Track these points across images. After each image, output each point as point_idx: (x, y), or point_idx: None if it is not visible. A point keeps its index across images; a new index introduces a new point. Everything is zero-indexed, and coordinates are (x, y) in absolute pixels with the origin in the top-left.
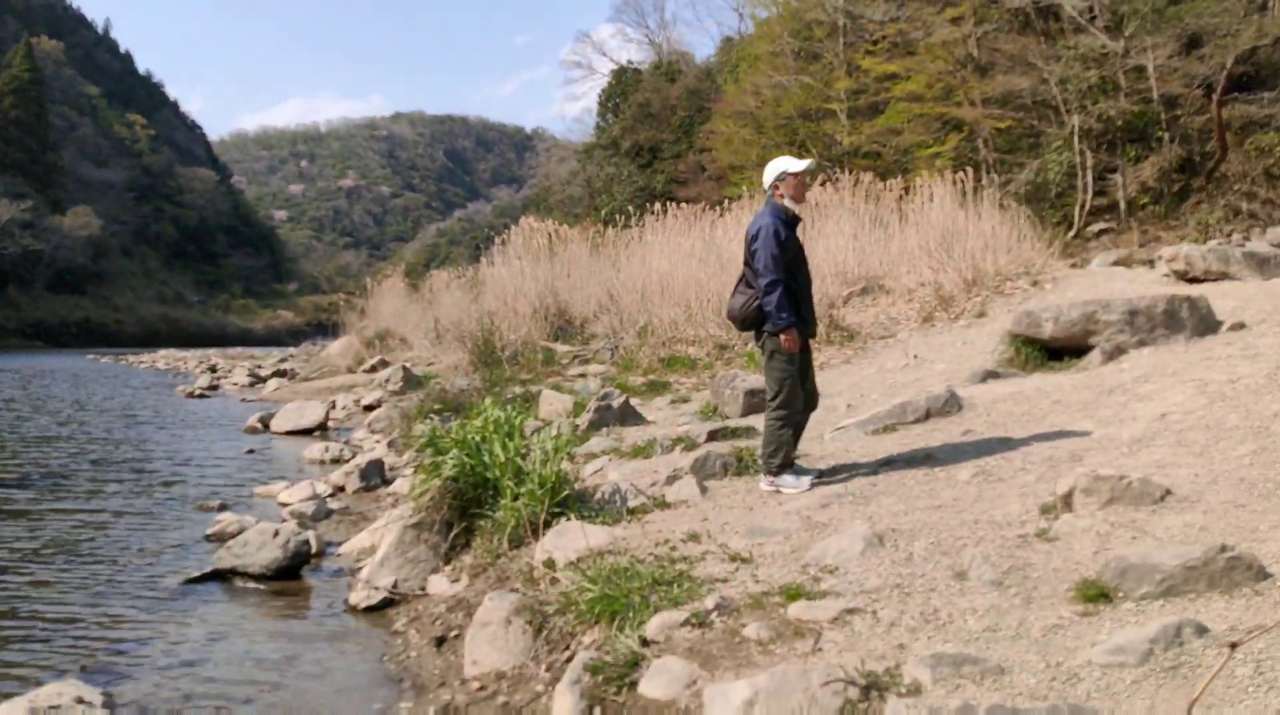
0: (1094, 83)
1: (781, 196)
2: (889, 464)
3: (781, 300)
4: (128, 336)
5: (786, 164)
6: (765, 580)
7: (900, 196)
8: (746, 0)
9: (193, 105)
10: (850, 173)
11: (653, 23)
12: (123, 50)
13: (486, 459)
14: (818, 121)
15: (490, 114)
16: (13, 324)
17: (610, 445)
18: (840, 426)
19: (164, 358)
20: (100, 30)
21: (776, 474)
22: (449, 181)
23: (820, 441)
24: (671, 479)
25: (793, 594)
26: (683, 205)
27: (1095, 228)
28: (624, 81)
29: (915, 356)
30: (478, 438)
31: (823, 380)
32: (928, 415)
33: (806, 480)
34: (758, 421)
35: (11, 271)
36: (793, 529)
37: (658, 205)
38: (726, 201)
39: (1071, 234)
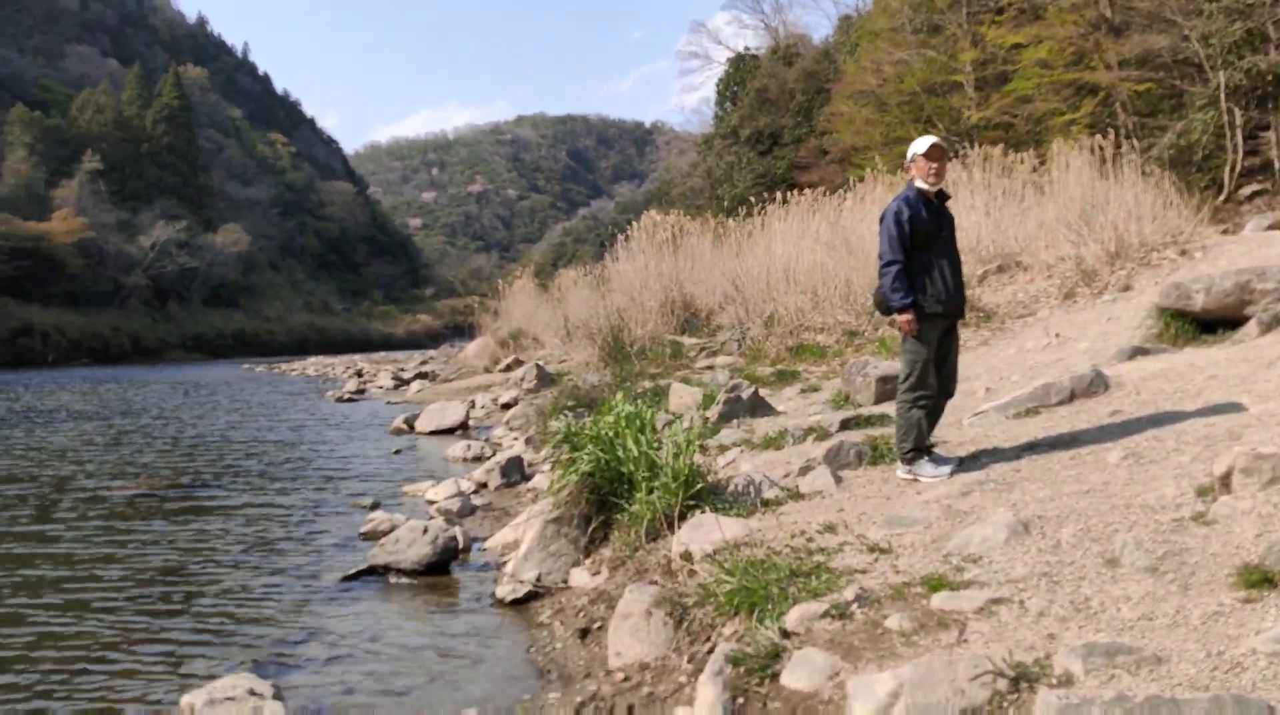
0: (1240, 36)
1: (915, 176)
2: (1032, 448)
3: (896, 281)
4: (279, 345)
5: (913, 146)
6: (906, 571)
7: (1034, 168)
8: None
9: (328, 122)
10: (980, 146)
11: (768, 7)
12: (261, 73)
13: (620, 454)
14: (943, 96)
15: (609, 111)
16: (174, 338)
17: (741, 437)
18: (979, 411)
19: (313, 365)
20: (240, 55)
21: (912, 461)
22: (572, 181)
23: (959, 427)
24: (805, 470)
25: (935, 584)
26: (805, 190)
27: (1247, 190)
28: (741, 69)
29: (1057, 335)
30: (611, 433)
31: (960, 363)
32: (1072, 396)
33: (946, 469)
34: (892, 409)
35: (171, 288)
36: (932, 518)
37: (779, 192)
38: (850, 183)
39: (1222, 198)
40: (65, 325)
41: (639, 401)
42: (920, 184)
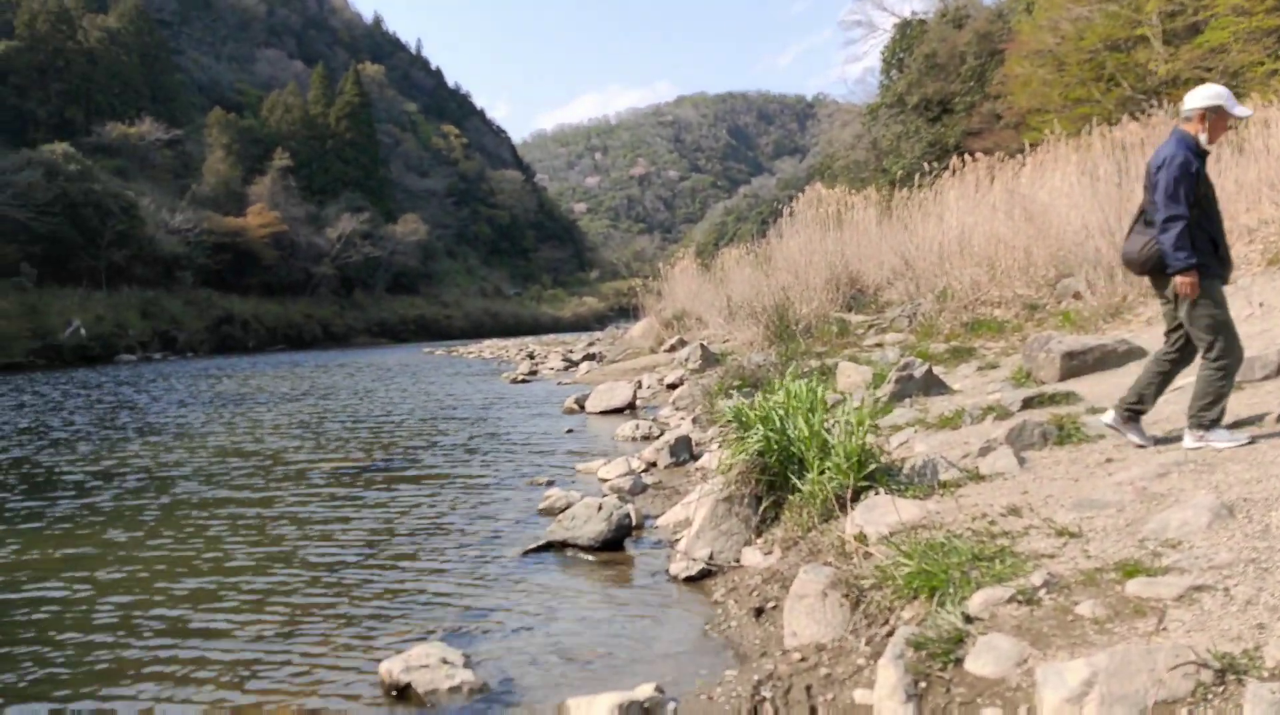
0: None
1: (1198, 130)
2: (1235, 427)
3: (1181, 238)
4: (456, 329)
5: (1224, 100)
6: (1097, 556)
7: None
8: None
9: (498, 112)
10: (1169, 104)
11: None
12: (434, 67)
13: (790, 433)
14: (1127, 51)
15: (769, 86)
16: (360, 323)
17: (915, 416)
18: (1176, 387)
19: (488, 348)
20: (413, 51)
21: (1209, 428)
22: (733, 158)
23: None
24: (984, 450)
25: (1130, 570)
26: (978, 157)
27: None
28: (907, 34)
29: (1261, 304)
30: (780, 412)
31: (1153, 336)
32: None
33: (1244, 434)
34: (1078, 386)
35: (356, 277)
36: (1126, 501)
37: (953, 160)
38: (1027, 148)
39: None
40: (262, 313)
41: (807, 380)
42: (1202, 138)
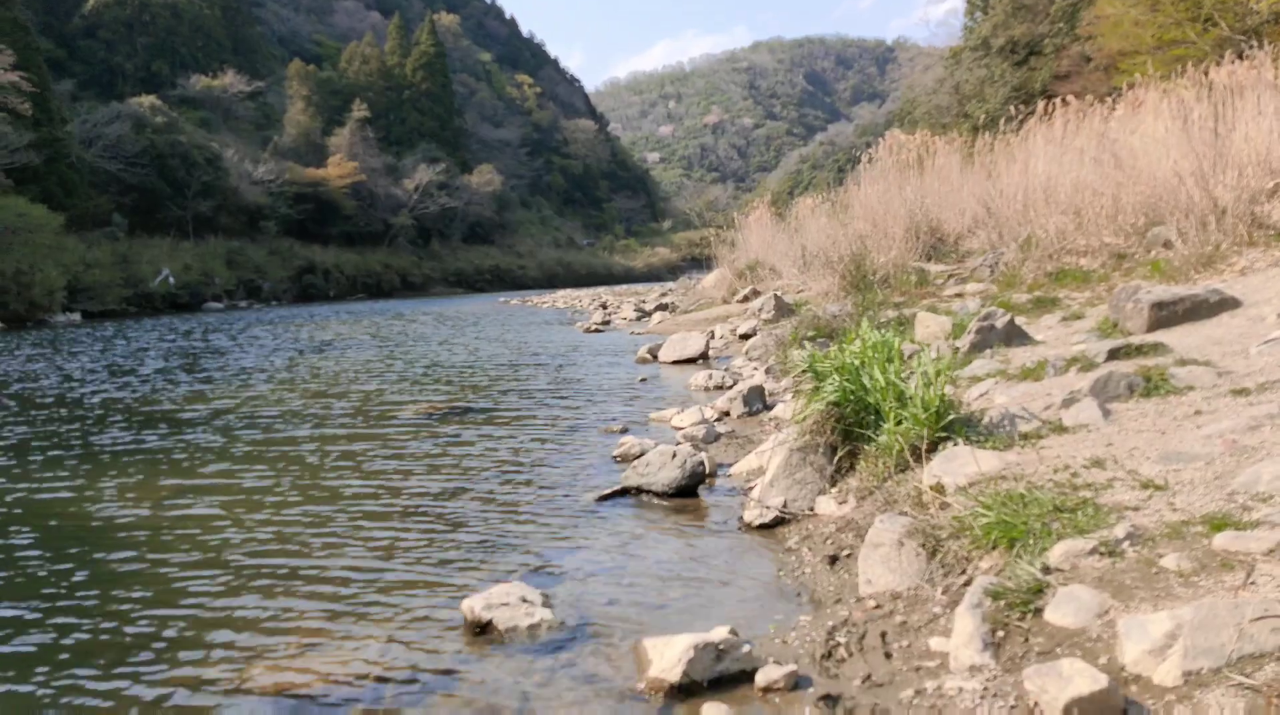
0: None
1: None
2: None
3: None
4: (530, 280)
5: None
6: (1183, 509)
7: None
8: None
9: (572, 61)
10: (1271, 45)
11: None
12: (508, 16)
13: (866, 382)
14: None
15: (849, 30)
16: (437, 274)
17: (995, 367)
18: (1269, 339)
19: (562, 298)
20: (488, 0)
21: None
22: (809, 105)
23: (1245, 357)
24: (1068, 402)
25: (1218, 524)
26: (1067, 101)
27: None
28: None
29: None
30: (856, 362)
31: (1247, 286)
32: None
33: None
34: (1166, 337)
35: (433, 227)
36: (1215, 454)
37: (1039, 104)
38: (1118, 92)
39: None
40: (343, 263)
41: (883, 330)
42: None
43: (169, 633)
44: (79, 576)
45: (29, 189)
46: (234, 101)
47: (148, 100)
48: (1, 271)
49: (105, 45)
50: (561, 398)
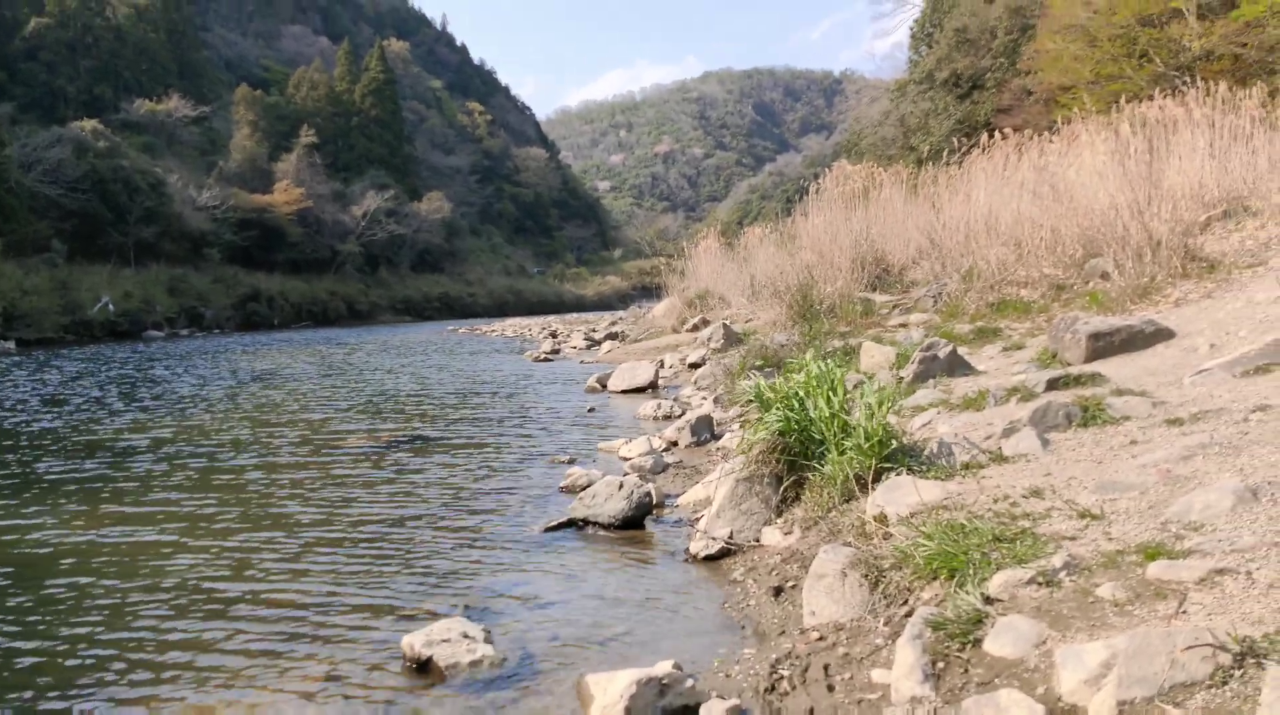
0: None
1: None
2: (1263, 410)
3: None
4: (480, 308)
5: None
6: (1119, 538)
7: (1265, 103)
8: None
9: (524, 89)
10: (1203, 81)
11: None
12: (459, 44)
13: (811, 412)
14: (1161, 26)
15: (798, 62)
16: (384, 301)
17: (938, 397)
18: (1202, 369)
19: (511, 326)
20: (439, 27)
21: None
22: (758, 136)
23: (1179, 386)
24: (1008, 432)
25: (1151, 553)
26: (1008, 134)
27: None
28: (938, 9)
29: None
30: (801, 392)
31: (1181, 317)
32: None
33: None
34: (1104, 367)
35: (381, 254)
36: (1149, 483)
37: (982, 137)
38: (1057, 125)
39: None
40: (288, 290)
41: (829, 361)
42: None
43: (98, 659)
44: (14, 602)
45: None
46: (179, 126)
47: (90, 124)
48: None
49: (46, 68)
50: (510, 427)
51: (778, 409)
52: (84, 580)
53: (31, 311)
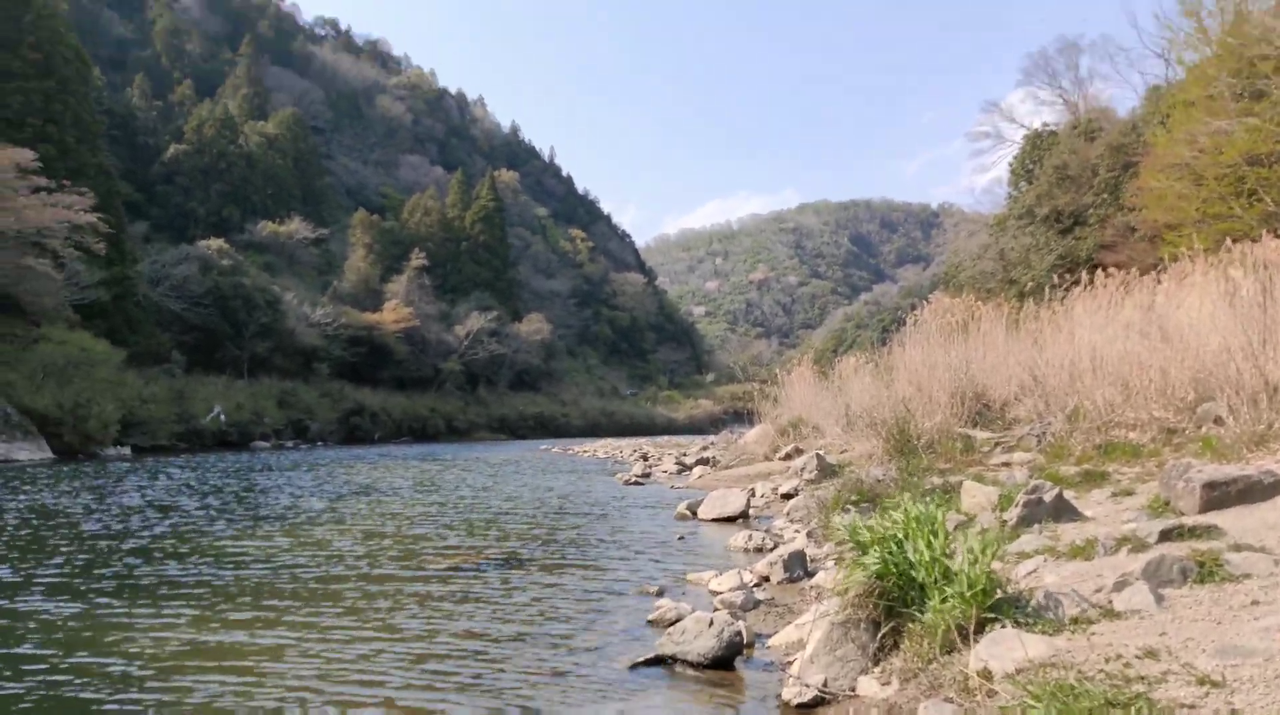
0: None
1: None
2: None
3: None
4: (574, 428)
5: None
6: (1243, 708)
7: None
8: (1173, 44)
9: (624, 217)
10: None
11: (1066, 82)
12: (565, 174)
13: (911, 557)
14: (1270, 166)
15: (894, 194)
16: (482, 419)
17: (1043, 544)
18: None
19: (603, 447)
20: (546, 159)
21: None
22: (854, 266)
23: None
24: (1119, 585)
25: None
26: (1111, 272)
27: None
28: (1038, 146)
29: None
30: (899, 534)
31: None
32: None
33: None
34: (1219, 518)
35: (481, 373)
36: (1274, 650)
37: (1084, 274)
38: (1164, 263)
39: None
40: (391, 406)
41: (928, 499)
42: None
43: None
44: (129, 704)
45: (95, 324)
46: (299, 247)
47: (216, 243)
48: (60, 404)
49: (181, 190)
50: (600, 551)
51: (875, 551)
52: (194, 681)
53: (149, 420)
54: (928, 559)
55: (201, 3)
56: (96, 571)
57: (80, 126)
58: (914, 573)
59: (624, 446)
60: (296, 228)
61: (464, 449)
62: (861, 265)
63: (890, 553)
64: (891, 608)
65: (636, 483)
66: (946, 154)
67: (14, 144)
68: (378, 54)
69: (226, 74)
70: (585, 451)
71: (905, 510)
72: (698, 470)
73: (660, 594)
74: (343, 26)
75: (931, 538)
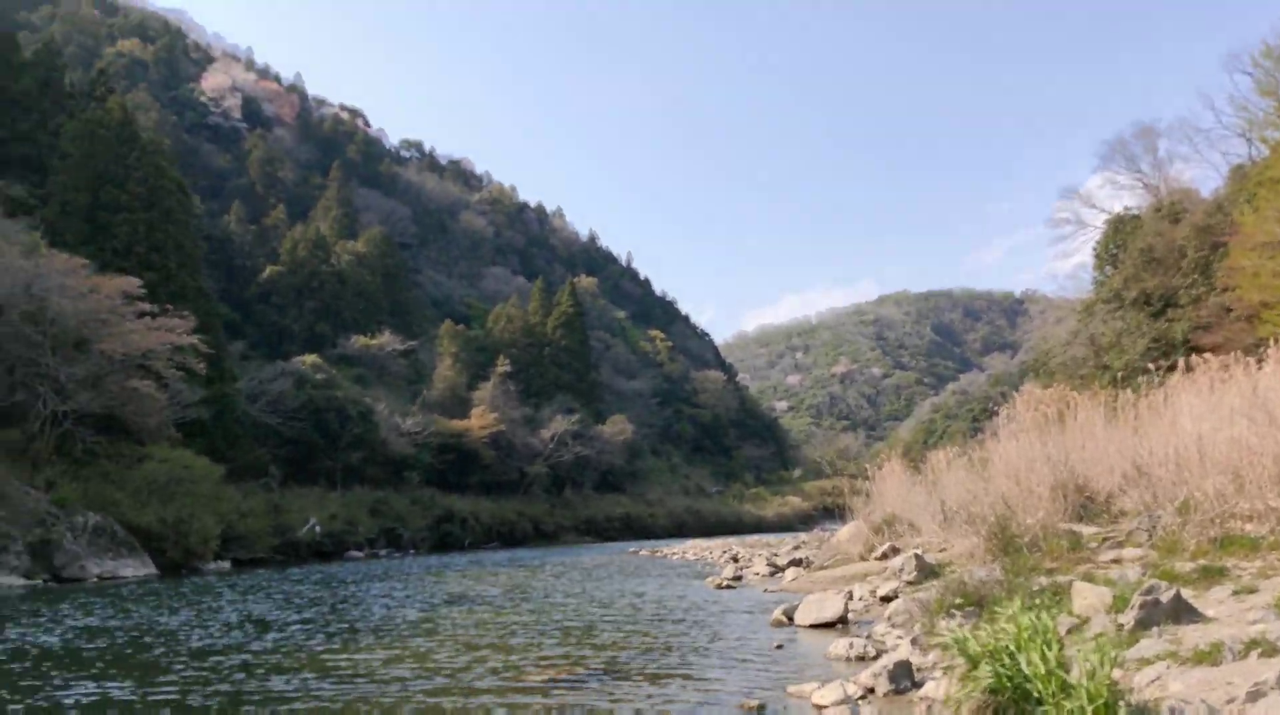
0: None
1: None
2: None
3: None
4: (660, 528)
5: None
6: None
7: None
8: (1252, 125)
9: (702, 316)
10: None
11: (1145, 165)
12: (642, 277)
13: (1025, 669)
14: None
15: (975, 283)
16: (568, 521)
17: (1165, 649)
18: None
19: (691, 548)
20: (624, 263)
21: None
22: (938, 355)
23: None
24: (1253, 695)
25: None
26: (1207, 355)
27: None
28: (1121, 230)
29: None
30: (1011, 645)
31: None
32: None
33: None
34: None
35: (567, 475)
36: None
37: (1179, 357)
38: (1263, 344)
39: None
40: (479, 511)
41: (1037, 602)
42: None
43: None
44: None
45: (196, 442)
46: (389, 359)
47: (310, 359)
48: (163, 520)
49: (276, 309)
50: (697, 660)
51: (987, 664)
52: None
53: (247, 533)
54: (1043, 672)
55: (294, 132)
56: (211, 689)
57: (182, 253)
58: (1029, 686)
59: (713, 547)
60: (386, 340)
61: (552, 553)
62: (946, 355)
63: (1003, 665)
64: None
65: (728, 586)
66: (1025, 240)
67: (121, 272)
68: (460, 172)
69: (317, 197)
70: (674, 554)
71: (1016, 619)
72: (790, 572)
73: (762, 709)
74: (426, 148)
75: (1045, 649)
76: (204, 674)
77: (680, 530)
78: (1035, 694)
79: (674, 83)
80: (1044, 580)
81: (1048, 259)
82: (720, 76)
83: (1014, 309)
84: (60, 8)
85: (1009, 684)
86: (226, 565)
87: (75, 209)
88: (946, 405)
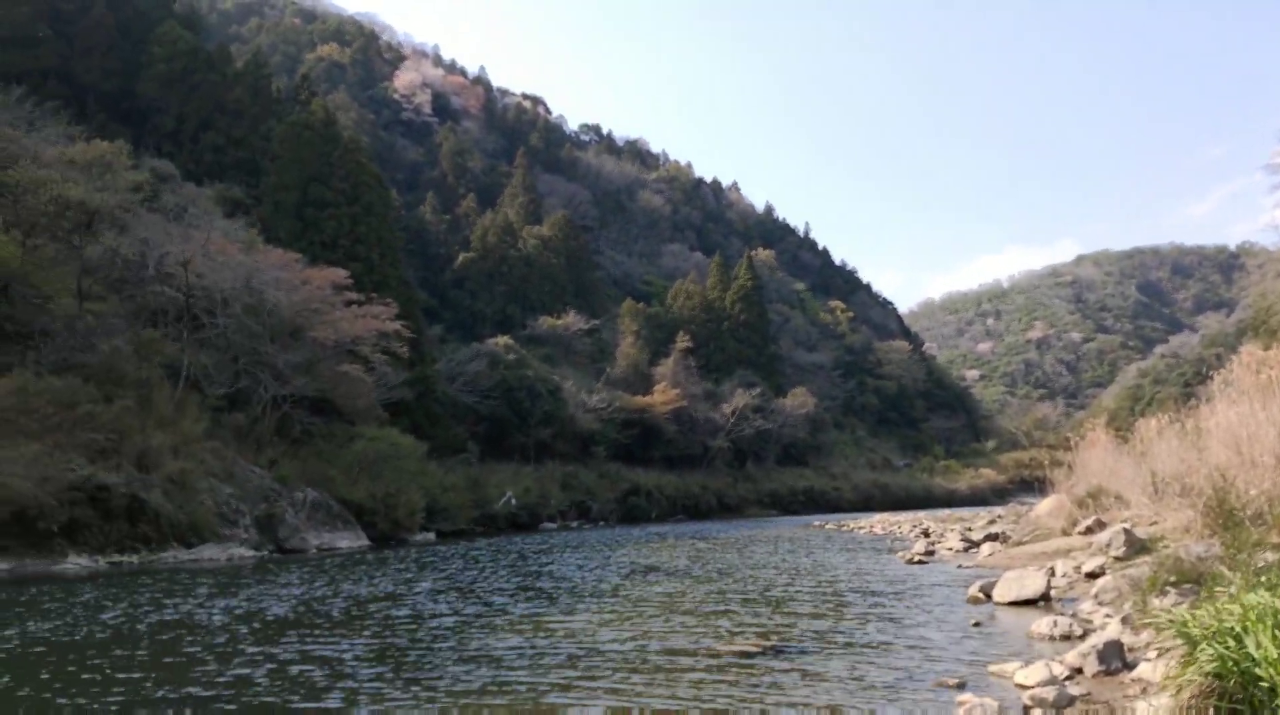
0: None
1: None
2: None
3: None
4: (845, 502)
5: None
6: None
7: None
8: None
9: (885, 283)
10: None
11: None
12: (820, 247)
13: (1254, 653)
14: None
15: (1183, 238)
16: (751, 495)
17: None
18: None
19: (879, 522)
20: (802, 234)
21: None
22: (1145, 317)
23: None
24: None
25: None
26: None
27: None
28: None
29: None
30: (1237, 627)
31: None
32: None
33: None
34: None
35: (748, 449)
36: None
37: None
38: None
39: None
40: (664, 485)
41: (1262, 580)
42: None
43: None
44: None
45: (401, 421)
46: (573, 338)
47: (502, 340)
48: (373, 495)
49: (469, 294)
50: (889, 637)
51: (1208, 647)
52: None
53: (449, 506)
54: (1275, 656)
55: (480, 123)
56: (437, 646)
57: (383, 244)
58: (1258, 671)
59: (901, 521)
60: (571, 320)
61: (735, 526)
62: (1154, 316)
63: (1227, 649)
64: (1236, 710)
65: (920, 562)
66: (1244, 186)
67: (329, 264)
68: (637, 152)
69: (504, 184)
70: (860, 528)
71: (1240, 599)
72: (986, 547)
73: (962, 686)
74: (604, 131)
75: (1276, 631)
76: (429, 633)
77: (866, 504)
78: (1265, 680)
79: (852, 41)
80: (1270, 556)
81: (1268, 208)
82: (897, 28)
83: (1229, 264)
84: (266, 19)
85: (1234, 668)
86: (432, 536)
87: (286, 207)
88: (1155, 369)
